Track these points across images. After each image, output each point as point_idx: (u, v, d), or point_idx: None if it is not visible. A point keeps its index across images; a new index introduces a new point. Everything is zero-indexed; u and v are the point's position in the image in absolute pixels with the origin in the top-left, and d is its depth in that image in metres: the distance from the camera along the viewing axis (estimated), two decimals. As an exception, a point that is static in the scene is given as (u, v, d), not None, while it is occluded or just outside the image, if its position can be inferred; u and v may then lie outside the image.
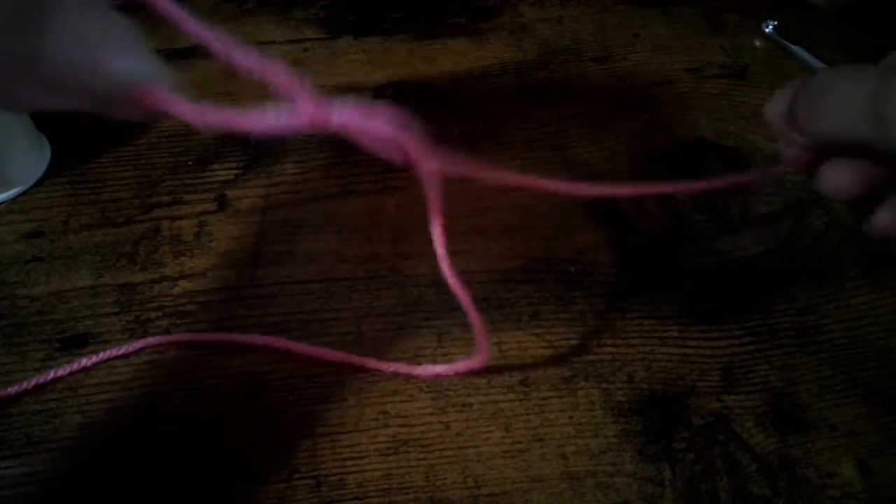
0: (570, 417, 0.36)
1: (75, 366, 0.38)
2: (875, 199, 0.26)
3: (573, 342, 0.38)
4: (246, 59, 0.22)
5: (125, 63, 0.20)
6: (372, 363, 0.37)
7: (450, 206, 0.45)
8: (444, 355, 0.38)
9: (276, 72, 0.22)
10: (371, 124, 0.23)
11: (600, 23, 0.56)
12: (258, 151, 0.47)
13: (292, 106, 0.22)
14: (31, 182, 0.46)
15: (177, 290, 0.41)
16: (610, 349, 0.38)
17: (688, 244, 0.43)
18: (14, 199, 0.45)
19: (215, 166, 0.47)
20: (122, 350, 0.38)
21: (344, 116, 0.22)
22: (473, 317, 0.33)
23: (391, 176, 0.46)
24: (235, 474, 0.34)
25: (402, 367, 0.37)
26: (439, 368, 0.37)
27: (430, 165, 0.25)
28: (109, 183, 0.46)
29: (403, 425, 0.36)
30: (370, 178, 0.46)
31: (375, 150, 0.24)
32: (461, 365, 0.37)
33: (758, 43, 0.53)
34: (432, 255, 0.42)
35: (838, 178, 0.25)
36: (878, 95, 0.21)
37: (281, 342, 0.38)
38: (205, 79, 0.50)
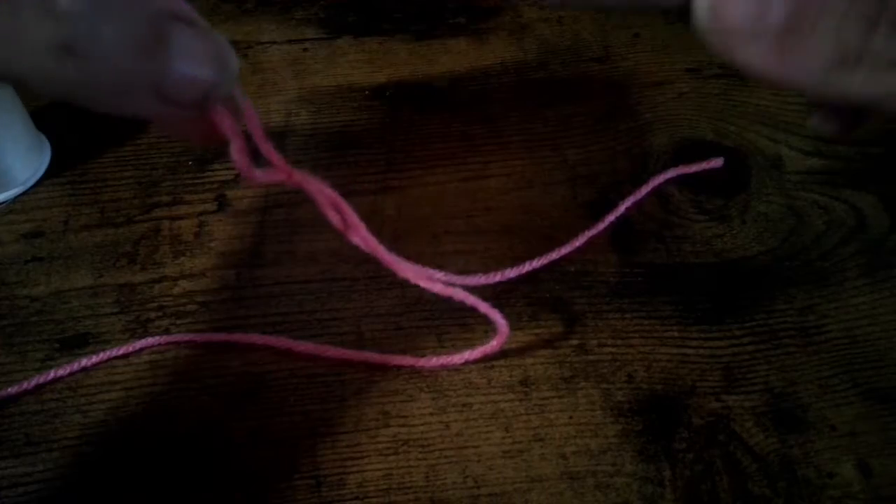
0: (570, 417, 0.36)
1: (75, 366, 0.38)
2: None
3: (573, 342, 0.38)
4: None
5: (227, 77, 0.23)
6: (375, 358, 0.38)
7: (451, 205, 0.45)
8: (444, 355, 0.38)
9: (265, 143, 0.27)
10: (318, 192, 0.30)
11: (600, 23, 0.56)
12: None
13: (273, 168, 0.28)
14: (31, 182, 0.46)
15: (177, 290, 0.41)
16: (610, 349, 0.38)
17: (688, 244, 0.43)
18: (14, 199, 0.45)
19: (215, 166, 0.47)
20: (122, 350, 0.38)
21: (301, 181, 0.29)
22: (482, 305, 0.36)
23: (391, 176, 0.46)
24: (235, 474, 0.34)
25: (406, 360, 0.37)
26: (444, 359, 0.37)
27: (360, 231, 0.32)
28: (109, 183, 0.46)
29: (403, 425, 0.36)
30: (370, 178, 0.46)
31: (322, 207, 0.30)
32: (474, 352, 0.37)
33: None
34: (433, 256, 0.42)
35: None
36: None
37: (281, 342, 0.38)
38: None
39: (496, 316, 0.37)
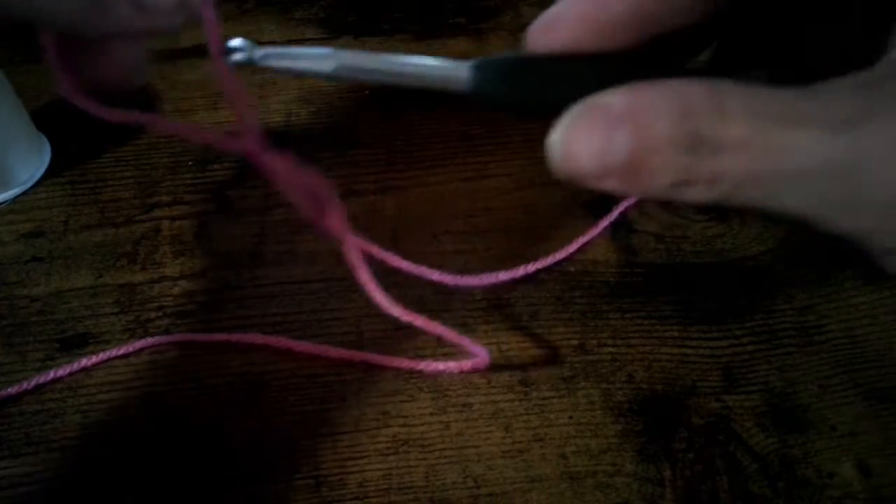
0: (570, 417, 0.36)
1: (75, 366, 0.38)
2: None
3: (573, 342, 0.38)
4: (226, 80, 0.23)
5: None
6: (374, 359, 0.38)
7: (451, 205, 0.45)
8: (443, 355, 0.38)
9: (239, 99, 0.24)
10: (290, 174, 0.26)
11: (600, 23, 0.55)
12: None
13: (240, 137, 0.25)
14: (31, 182, 0.46)
15: (177, 290, 0.41)
16: (610, 349, 0.38)
17: (688, 244, 0.43)
18: (14, 199, 0.45)
19: (215, 166, 0.47)
20: (122, 350, 0.38)
21: (271, 162, 0.25)
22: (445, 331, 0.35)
23: (391, 176, 0.46)
24: (235, 474, 0.34)
25: (405, 363, 0.37)
26: (442, 365, 0.37)
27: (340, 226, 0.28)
28: (109, 183, 0.46)
29: (403, 425, 0.36)
30: (370, 178, 0.46)
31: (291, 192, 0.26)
32: (466, 363, 0.37)
33: None
34: (432, 255, 0.42)
35: None
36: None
37: (281, 342, 0.38)
38: (204, 79, 0.50)
39: (466, 342, 0.36)
